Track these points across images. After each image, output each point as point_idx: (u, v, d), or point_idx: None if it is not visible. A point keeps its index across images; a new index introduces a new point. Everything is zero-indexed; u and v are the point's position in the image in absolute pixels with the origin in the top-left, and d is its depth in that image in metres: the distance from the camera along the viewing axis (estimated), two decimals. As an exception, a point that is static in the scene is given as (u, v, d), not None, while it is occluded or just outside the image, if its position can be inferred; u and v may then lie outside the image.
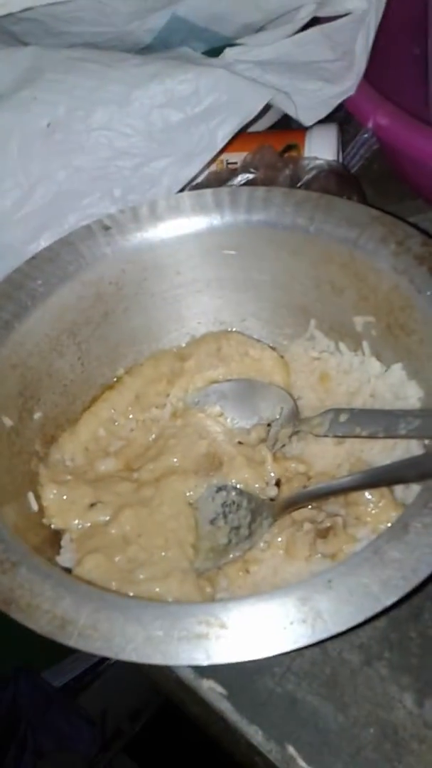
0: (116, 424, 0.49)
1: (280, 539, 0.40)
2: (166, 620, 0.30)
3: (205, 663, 0.28)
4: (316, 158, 0.59)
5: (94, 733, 0.98)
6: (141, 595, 0.38)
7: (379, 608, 0.30)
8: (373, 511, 0.40)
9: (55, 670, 1.03)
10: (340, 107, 0.56)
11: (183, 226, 0.47)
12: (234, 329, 0.52)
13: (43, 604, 0.30)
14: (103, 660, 1.05)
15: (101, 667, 1.05)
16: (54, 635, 0.30)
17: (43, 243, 0.48)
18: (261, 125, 0.65)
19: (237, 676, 0.40)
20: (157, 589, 0.39)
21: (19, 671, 0.97)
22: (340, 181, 0.57)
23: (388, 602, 0.30)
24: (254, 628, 0.29)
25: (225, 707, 0.39)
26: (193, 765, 1.04)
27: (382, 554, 0.32)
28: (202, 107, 0.48)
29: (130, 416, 0.49)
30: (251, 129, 0.62)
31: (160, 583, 0.39)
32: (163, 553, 0.41)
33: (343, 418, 0.42)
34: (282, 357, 0.51)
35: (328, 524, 0.40)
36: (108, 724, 1.04)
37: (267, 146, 0.59)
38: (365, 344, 0.47)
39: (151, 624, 0.29)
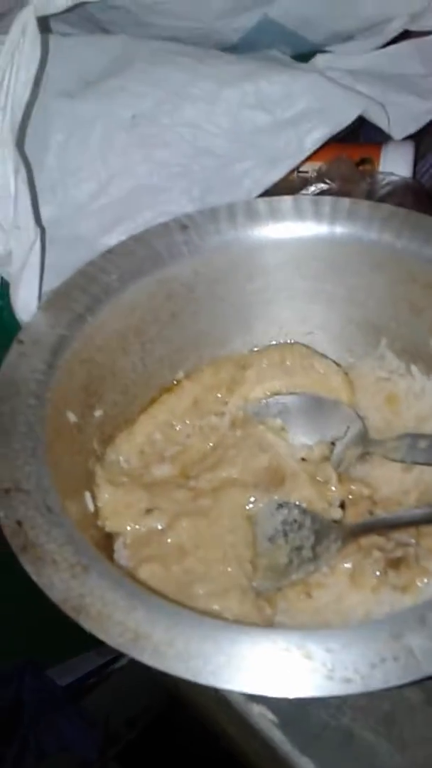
0: (173, 428, 0.48)
1: (346, 565, 0.39)
2: (245, 644, 0.28)
3: (291, 696, 0.27)
4: (392, 173, 0.57)
5: (97, 738, 0.96)
6: (198, 610, 0.37)
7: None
8: (447, 544, 0.39)
9: (61, 668, 1.01)
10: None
11: (263, 232, 0.46)
12: (299, 342, 0.50)
13: (115, 614, 0.29)
14: (110, 662, 1.03)
15: (108, 669, 1.03)
16: (126, 648, 0.28)
17: (116, 237, 0.46)
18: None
19: (289, 705, 0.38)
20: (216, 606, 0.37)
21: (24, 667, 0.95)
22: (417, 199, 0.56)
23: None
24: (342, 662, 0.27)
25: (276, 736, 0.37)
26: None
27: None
28: (293, 111, 0.47)
29: (187, 421, 0.48)
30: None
31: (219, 599, 0.37)
32: (221, 568, 0.39)
33: (423, 444, 0.41)
34: (347, 374, 0.49)
35: (399, 554, 0.38)
36: (110, 729, 1.01)
37: (344, 157, 0.58)
38: (441, 369, 0.46)
39: (231, 647, 0.28)
